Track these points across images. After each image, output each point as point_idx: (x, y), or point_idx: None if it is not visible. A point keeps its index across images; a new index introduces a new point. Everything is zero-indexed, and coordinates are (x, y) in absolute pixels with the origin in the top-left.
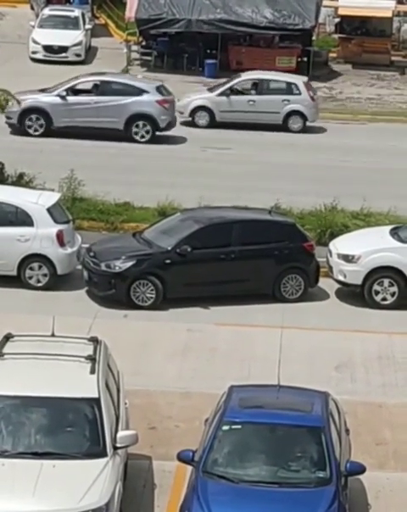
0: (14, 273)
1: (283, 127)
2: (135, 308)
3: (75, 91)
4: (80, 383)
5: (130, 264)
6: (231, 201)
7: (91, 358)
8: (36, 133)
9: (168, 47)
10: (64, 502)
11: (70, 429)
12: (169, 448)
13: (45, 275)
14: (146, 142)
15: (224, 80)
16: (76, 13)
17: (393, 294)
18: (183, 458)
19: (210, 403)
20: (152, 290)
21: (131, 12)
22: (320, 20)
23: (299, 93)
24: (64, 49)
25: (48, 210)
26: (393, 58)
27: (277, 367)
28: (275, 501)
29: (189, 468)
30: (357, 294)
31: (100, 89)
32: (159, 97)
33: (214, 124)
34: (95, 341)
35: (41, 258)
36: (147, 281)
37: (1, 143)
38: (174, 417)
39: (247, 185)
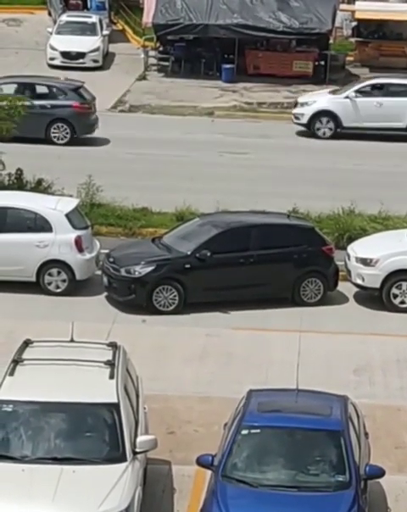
0: (33, 279)
1: None
2: (153, 313)
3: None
4: (99, 388)
5: (149, 269)
6: (248, 205)
7: (111, 364)
8: None
9: (185, 52)
10: (84, 507)
11: (90, 434)
12: (188, 452)
13: (64, 281)
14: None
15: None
16: (94, 19)
17: None
18: (202, 462)
19: (229, 407)
20: (174, 295)
21: (148, 17)
22: (337, 24)
23: None
24: (81, 55)
25: (67, 216)
26: None
27: (296, 371)
28: (295, 505)
29: (208, 472)
30: (375, 297)
31: None
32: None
33: None
34: (114, 346)
35: (60, 264)
36: (169, 286)
37: (19, 149)
38: (193, 422)
39: (263, 189)
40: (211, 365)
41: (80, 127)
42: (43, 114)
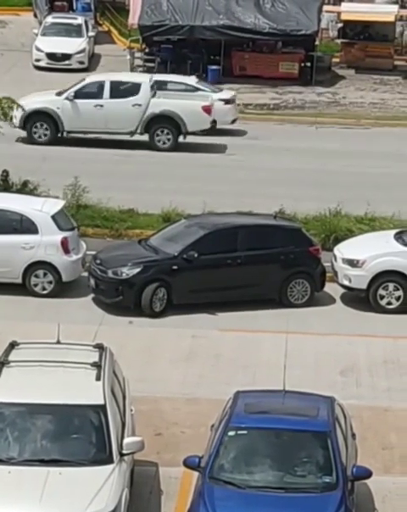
0: (19, 281)
1: None
2: (140, 314)
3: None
4: (85, 390)
5: (137, 270)
6: (234, 207)
7: (97, 365)
8: None
9: (171, 53)
10: (71, 509)
11: (76, 436)
12: (175, 454)
13: (50, 283)
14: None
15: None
16: (79, 20)
17: (398, 298)
18: (189, 464)
19: (216, 408)
20: (163, 296)
21: (133, 19)
22: (323, 25)
23: None
24: (67, 57)
25: (53, 217)
26: (396, 63)
27: (283, 372)
28: (282, 506)
29: (195, 474)
30: (362, 299)
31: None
32: None
33: None
34: (100, 348)
35: (46, 266)
36: (158, 287)
37: (5, 151)
38: (180, 423)
39: (250, 190)
40: (198, 367)
41: None
42: None
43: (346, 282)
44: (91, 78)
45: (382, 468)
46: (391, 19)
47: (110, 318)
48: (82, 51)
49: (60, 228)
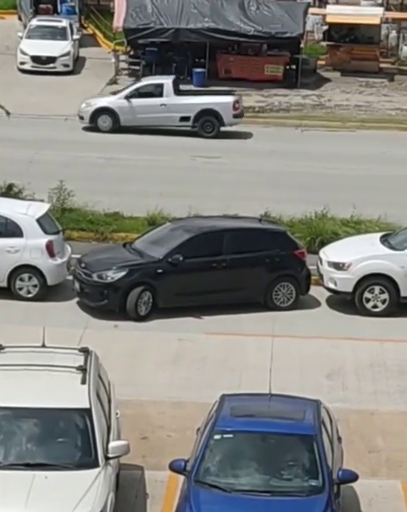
0: (4, 284)
1: None
2: (125, 318)
3: None
4: (71, 394)
5: (122, 274)
6: (220, 210)
7: (82, 369)
8: None
9: (156, 56)
10: None
11: (62, 440)
12: (161, 457)
13: (35, 286)
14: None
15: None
16: (64, 23)
17: (383, 301)
18: (175, 467)
19: (202, 412)
20: (148, 299)
21: (118, 22)
22: (309, 28)
23: None
24: (52, 60)
25: (38, 221)
26: (382, 65)
27: (269, 375)
28: (268, 510)
29: (181, 477)
30: (348, 302)
31: None
32: None
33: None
34: (86, 351)
35: (31, 269)
36: (143, 290)
37: None
38: (165, 427)
39: (236, 193)
40: (184, 370)
41: None
42: None
43: (331, 285)
44: None
45: (369, 471)
46: (376, 21)
47: (95, 321)
48: (67, 54)
49: (45, 231)
